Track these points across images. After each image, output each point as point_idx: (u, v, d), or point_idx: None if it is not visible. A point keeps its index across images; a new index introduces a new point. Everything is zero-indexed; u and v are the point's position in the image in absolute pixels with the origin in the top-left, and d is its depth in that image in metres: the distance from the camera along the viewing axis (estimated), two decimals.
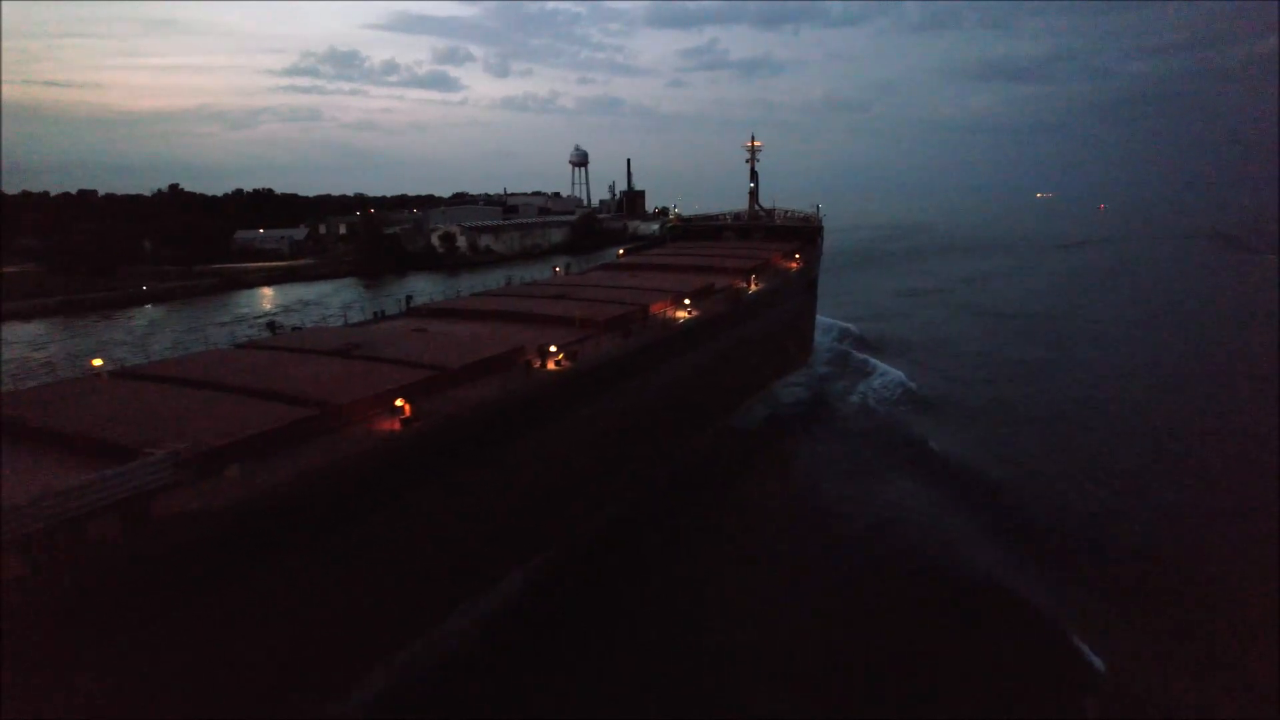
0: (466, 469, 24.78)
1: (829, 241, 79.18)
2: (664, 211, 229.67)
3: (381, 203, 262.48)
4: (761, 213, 79.12)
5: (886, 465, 40.53)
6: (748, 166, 77.97)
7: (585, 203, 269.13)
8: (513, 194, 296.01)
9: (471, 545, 25.73)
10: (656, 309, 41.42)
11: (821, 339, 71.06)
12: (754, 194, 78.79)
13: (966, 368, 60.69)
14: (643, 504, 35.79)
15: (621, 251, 74.51)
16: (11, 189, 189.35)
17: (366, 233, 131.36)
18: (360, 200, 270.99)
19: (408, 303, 45.39)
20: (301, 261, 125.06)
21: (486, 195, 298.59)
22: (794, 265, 61.65)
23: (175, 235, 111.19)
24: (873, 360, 61.45)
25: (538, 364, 29.52)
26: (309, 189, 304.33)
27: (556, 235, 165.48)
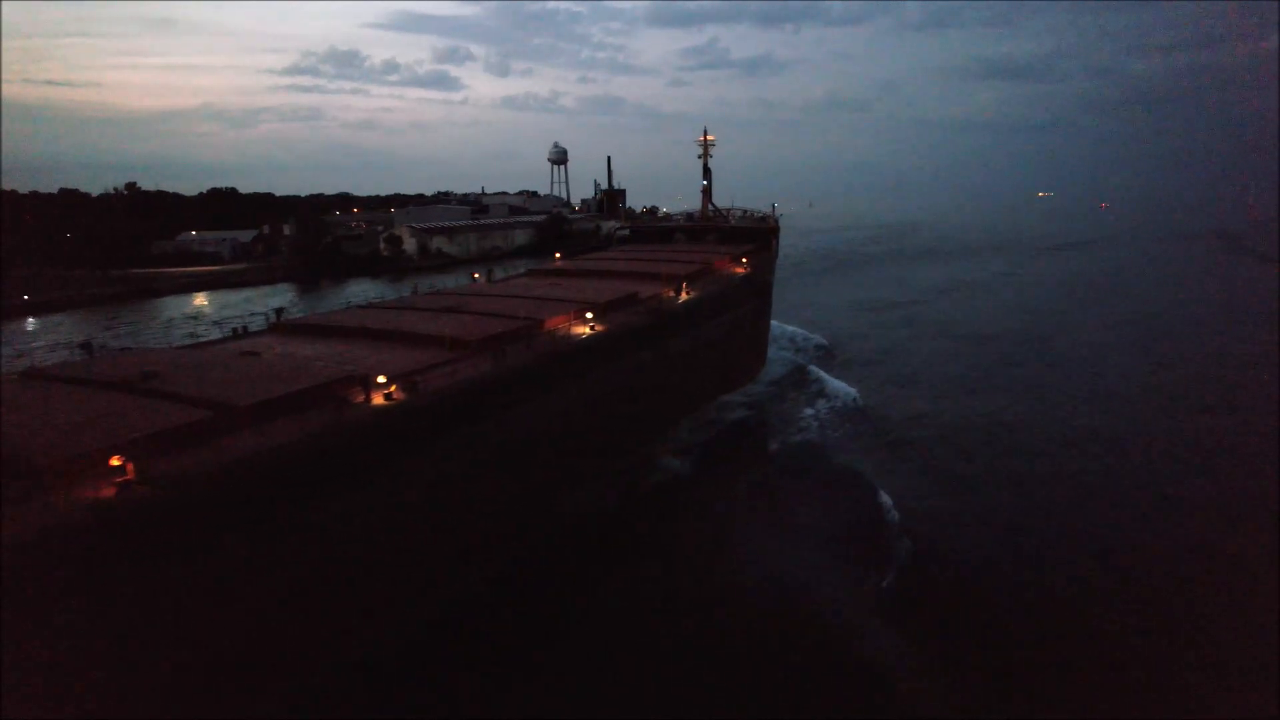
0: (217, 551, 19.83)
1: (810, 244, 75.12)
2: (651, 211, 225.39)
3: (372, 202, 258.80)
4: (715, 213, 75.10)
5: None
6: (701, 163, 73.69)
7: (568, 201, 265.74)
8: (489, 193, 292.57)
9: (207, 669, 19.87)
10: (554, 324, 37.01)
11: (775, 352, 66.99)
12: (707, 193, 74.61)
13: (924, 405, 52.06)
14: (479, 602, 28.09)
15: (558, 255, 70.04)
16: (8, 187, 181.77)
17: (302, 235, 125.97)
18: (345, 199, 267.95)
19: (278, 316, 40.90)
20: (233, 266, 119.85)
21: (465, 194, 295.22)
22: (740, 270, 57.42)
23: (92, 237, 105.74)
24: (827, 381, 56.59)
25: (360, 398, 24.96)
26: (308, 188, 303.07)
27: (521, 237, 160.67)
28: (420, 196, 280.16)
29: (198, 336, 39.42)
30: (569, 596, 28.92)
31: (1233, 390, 55.64)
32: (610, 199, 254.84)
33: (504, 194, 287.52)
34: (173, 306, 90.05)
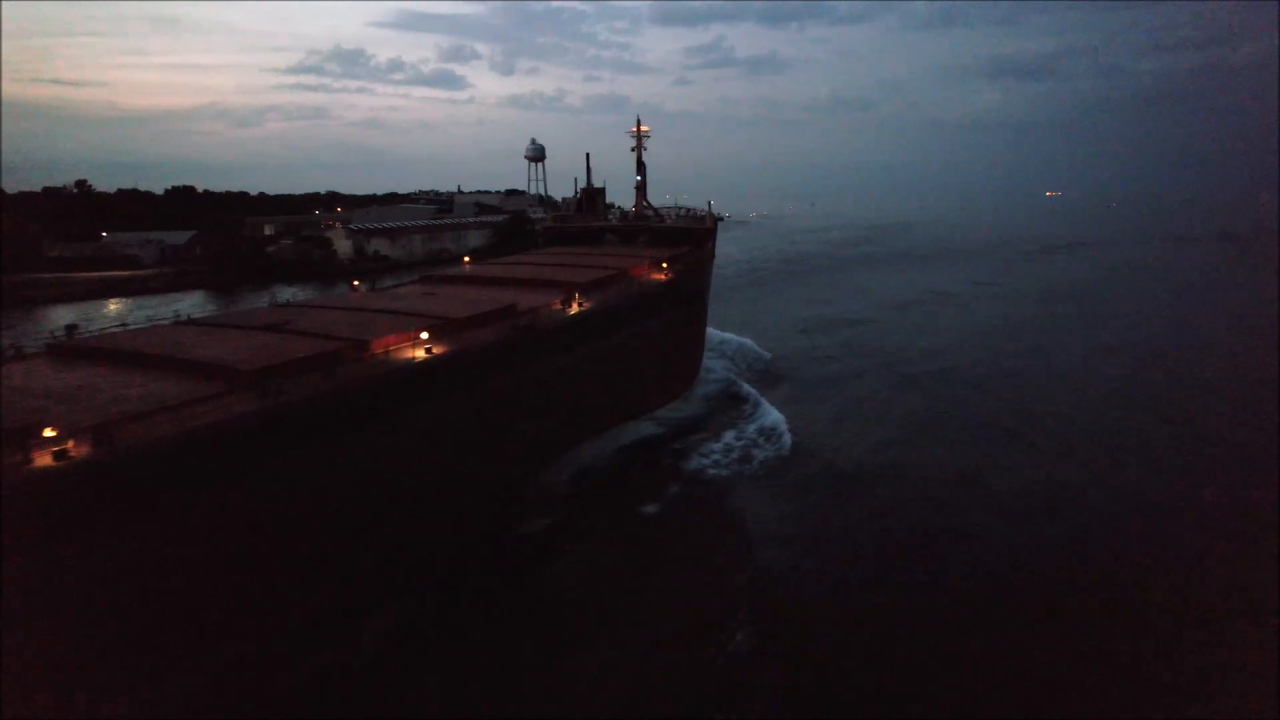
0: None
1: (789, 246, 68.28)
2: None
3: (364, 201, 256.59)
4: (650, 212, 70.02)
5: None
6: (634, 156, 68.83)
7: (547, 198, 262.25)
8: (467, 191, 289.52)
9: None
10: (382, 346, 31.52)
11: (715, 365, 61.75)
12: (641, 189, 69.53)
13: (846, 462, 42.90)
14: None
15: (467, 259, 64.87)
16: (11, 188, 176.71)
17: (221, 239, 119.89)
18: (334, 197, 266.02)
19: (69, 333, 35.35)
20: (143, 271, 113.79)
21: (438, 193, 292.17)
22: (661, 276, 52.05)
23: None
24: (759, 417, 49.88)
25: (18, 457, 19.38)
26: (308, 187, 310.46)
27: (476, 238, 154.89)
28: (413, 194, 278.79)
29: None
30: None
31: (1234, 446, 45.97)
32: (589, 197, 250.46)
33: (483, 192, 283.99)
34: (45, 318, 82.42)
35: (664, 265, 53.36)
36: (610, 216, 72.46)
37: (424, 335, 32.13)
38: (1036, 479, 40.57)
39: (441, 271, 56.46)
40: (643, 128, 68.20)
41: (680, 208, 72.08)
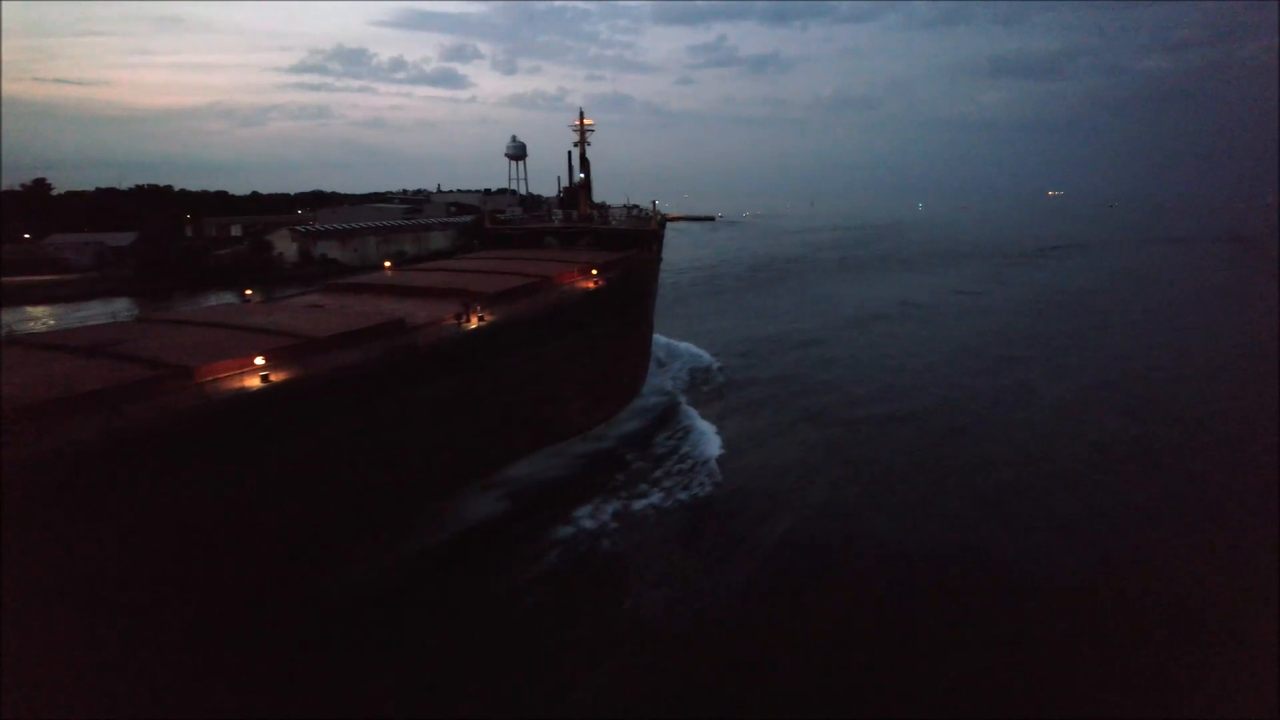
0: None
1: (771, 248, 62.56)
2: (635, 209, 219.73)
3: (356, 200, 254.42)
4: (594, 212, 66.09)
5: None
6: (577, 152, 65.07)
7: (529, 196, 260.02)
8: (446, 190, 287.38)
9: None
10: (209, 374, 27.22)
11: (665, 380, 57.40)
12: (585, 188, 65.68)
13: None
14: None
15: (388, 264, 60.82)
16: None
17: (148, 241, 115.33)
18: (318, 197, 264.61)
19: None
20: (58, 276, 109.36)
21: (416, 191, 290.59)
22: (590, 283, 47.92)
23: None
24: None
25: None
26: (305, 186, 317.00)
27: (440, 240, 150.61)
28: (404, 192, 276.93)
29: None
30: None
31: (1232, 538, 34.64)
32: (572, 195, 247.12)
33: (463, 192, 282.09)
34: None
35: (594, 271, 49.28)
36: (554, 217, 68.37)
37: (259, 361, 27.91)
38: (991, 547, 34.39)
39: (348, 279, 52.23)
40: (586, 121, 64.33)
41: (633, 206, 68.21)
